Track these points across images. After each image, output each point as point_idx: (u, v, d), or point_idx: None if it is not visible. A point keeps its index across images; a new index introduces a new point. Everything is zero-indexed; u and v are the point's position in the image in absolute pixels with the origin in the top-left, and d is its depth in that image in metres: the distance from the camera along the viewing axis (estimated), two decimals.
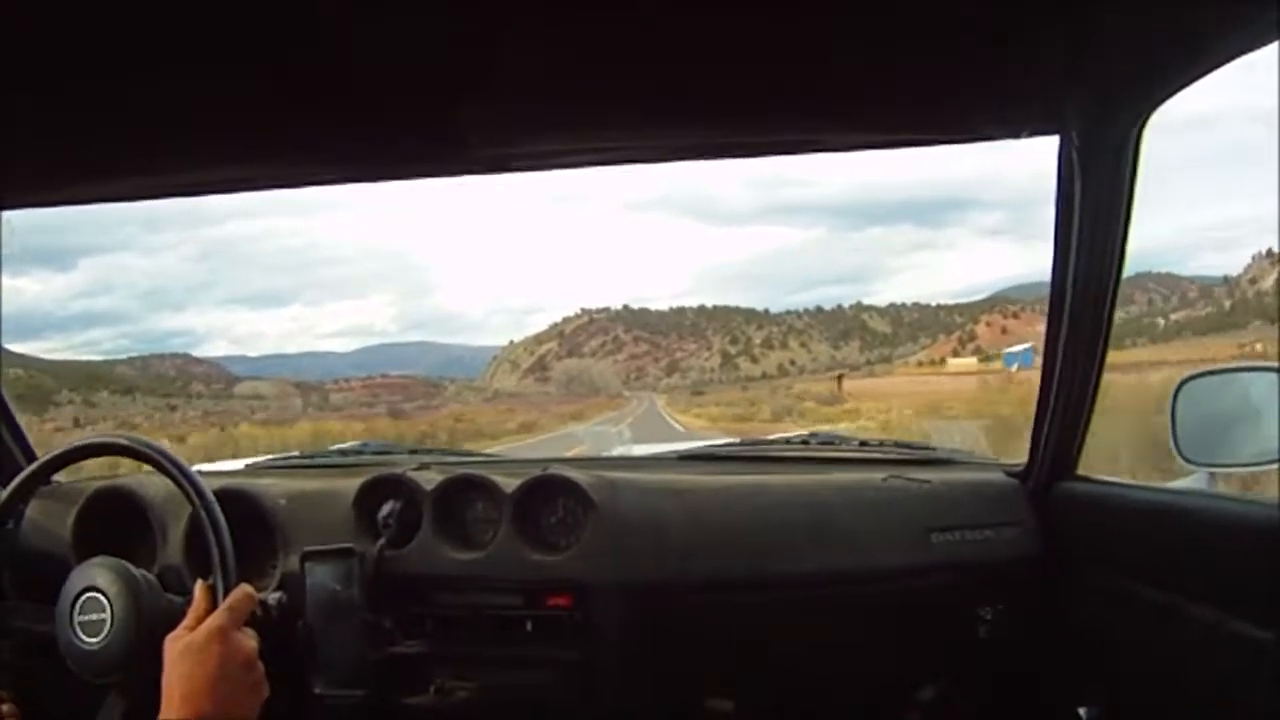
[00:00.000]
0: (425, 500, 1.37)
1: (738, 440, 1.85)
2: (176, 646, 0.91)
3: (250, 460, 1.80)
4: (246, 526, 1.22)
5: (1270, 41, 0.89)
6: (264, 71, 1.02)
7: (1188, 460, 1.23)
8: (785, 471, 1.55)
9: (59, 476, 1.32)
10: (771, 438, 1.92)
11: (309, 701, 1.22)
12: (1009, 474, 1.45)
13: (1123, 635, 1.19)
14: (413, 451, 1.76)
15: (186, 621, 0.94)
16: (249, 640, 0.95)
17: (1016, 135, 1.19)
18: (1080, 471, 1.35)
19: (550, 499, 1.38)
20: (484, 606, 1.34)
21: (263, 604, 1.05)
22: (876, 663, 1.41)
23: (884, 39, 1.01)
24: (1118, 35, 0.98)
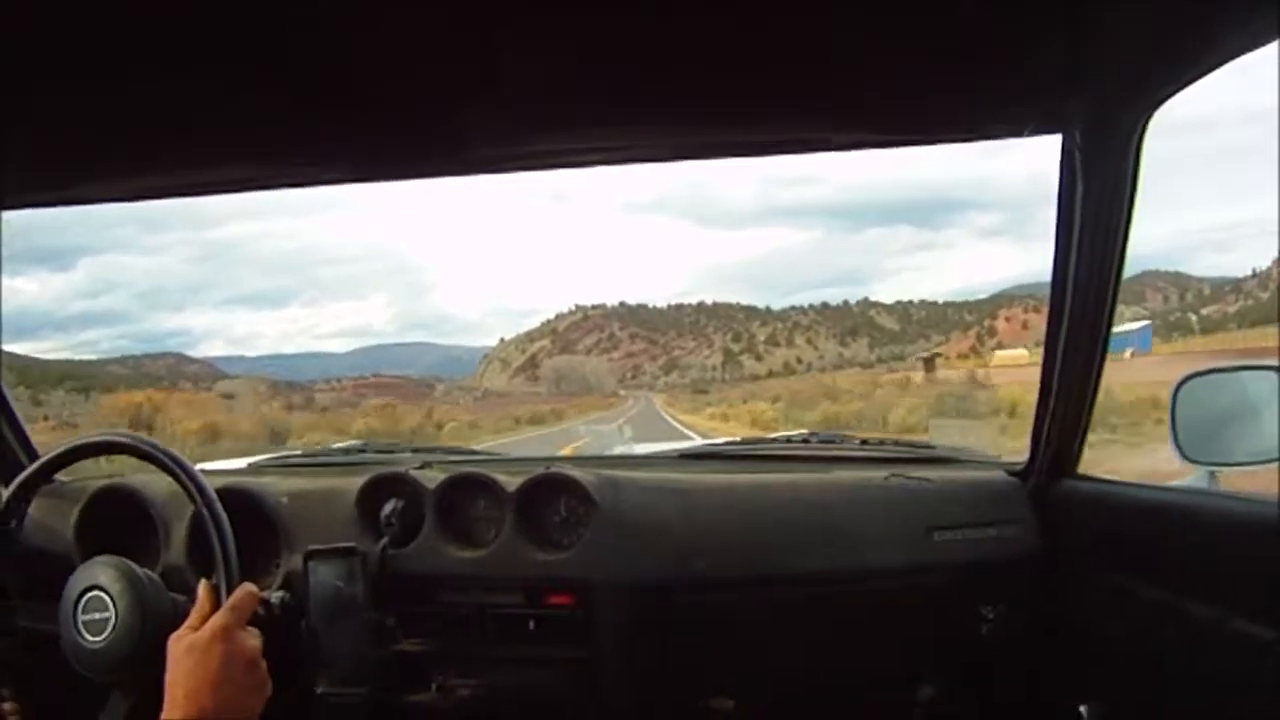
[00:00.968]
0: (427, 499, 1.38)
1: (739, 439, 1.84)
2: (180, 646, 0.91)
3: (253, 459, 1.80)
4: (249, 525, 1.22)
5: (1271, 40, 0.89)
6: (264, 71, 1.02)
7: (1188, 459, 1.23)
8: (787, 470, 1.55)
9: (61, 475, 1.32)
10: (772, 436, 1.92)
11: (312, 700, 1.22)
12: (1010, 473, 1.45)
13: (1124, 633, 1.19)
14: (415, 450, 1.76)
15: (190, 621, 0.95)
16: (252, 639, 0.95)
17: (1018, 134, 1.19)
18: (1081, 470, 1.35)
19: (552, 497, 1.38)
20: (486, 605, 1.34)
21: (265, 603, 1.05)
22: (878, 661, 1.41)
23: (885, 37, 1.01)
24: (1119, 34, 0.98)
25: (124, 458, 1.13)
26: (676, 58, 1.04)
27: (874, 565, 1.36)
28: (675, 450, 1.77)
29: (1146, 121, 1.08)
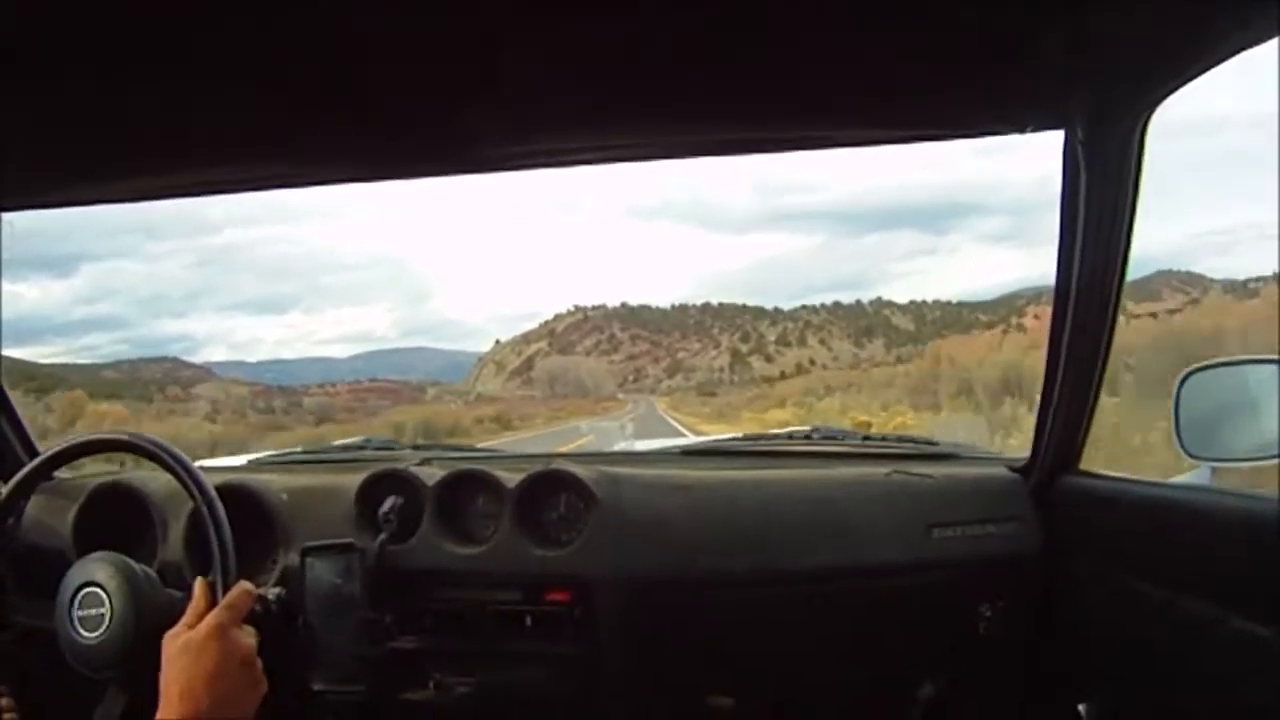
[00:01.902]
0: (427, 495, 1.38)
1: (740, 435, 1.84)
2: (175, 644, 0.91)
3: (252, 456, 1.80)
4: (247, 522, 1.22)
5: (1271, 37, 0.88)
6: (265, 71, 1.02)
7: (1190, 454, 1.22)
8: (788, 466, 1.55)
9: (60, 472, 1.32)
10: (774, 432, 1.92)
11: (309, 697, 1.22)
12: (1011, 469, 1.44)
13: (1124, 631, 1.19)
14: (415, 447, 1.76)
15: (186, 619, 0.94)
16: (247, 638, 0.95)
17: (1020, 131, 1.18)
18: (1083, 466, 1.35)
19: (552, 494, 1.38)
20: (485, 602, 1.34)
21: (262, 599, 1.05)
22: (878, 658, 1.41)
23: (887, 34, 1.00)
24: (1121, 30, 0.97)
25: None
26: (677, 56, 1.03)
27: (875, 562, 1.36)
28: (676, 446, 1.76)
29: (1149, 118, 1.08)
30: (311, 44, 0.97)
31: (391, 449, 1.76)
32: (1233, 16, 0.90)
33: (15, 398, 1.59)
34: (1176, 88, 1.03)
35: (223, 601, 0.96)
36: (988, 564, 1.36)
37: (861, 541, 1.36)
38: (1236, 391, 1.22)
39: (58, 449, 1.12)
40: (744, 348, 31.93)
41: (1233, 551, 0.98)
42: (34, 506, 1.39)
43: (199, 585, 0.98)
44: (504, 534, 1.35)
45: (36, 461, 1.13)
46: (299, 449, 1.92)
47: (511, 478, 1.37)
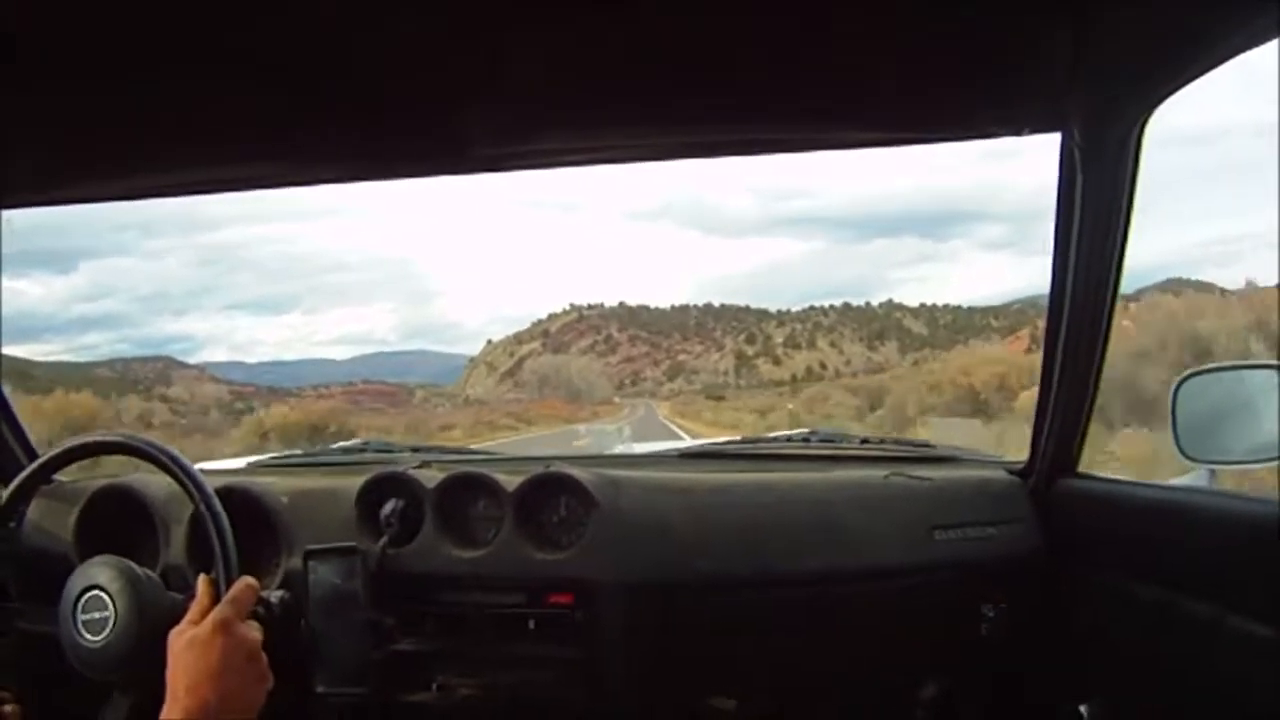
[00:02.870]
0: (427, 498, 1.38)
1: (739, 438, 1.84)
2: (180, 640, 0.92)
3: (252, 458, 1.80)
4: (249, 525, 1.22)
5: (1270, 39, 0.89)
6: (266, 70, 1.02)
7: (1188, 457, 1.23)
8: (787, 469, 1.55)
9: (60, 476, 1.32)
10: (773, 435, 1.93)
11: (312, 700, 1.22)
12: (1010, 471, 1.45)
13: (1124, 632, 1.19)
14: (415, 450, 1.76)
15: (190, 615, 0.95)
16: (252, 632, 0.95)
17: (1018, 133, 1.19)
18: (1081, 469, 1.35)
19: (552, 497, 1.38)
20: (486, 605, 1.34)
21: (265, 602, 1.05)
22: (879, 661, 1.41)
23: (885, 36, 1.01)
24: (1118, 32, 0.97)
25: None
26: (677, 57, 1.04)
27: (874, 565, 1.36)
28: (675, 449, 1.77)
29: (1146, 120, 1.08)
30: (312, 43, 0.97)
31: (390, 451, 1.76)
32: (1230, 19, 0.91)
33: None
34: (1174, 90, 1.03)
35: (226, 597, 0.96)
36: (988, 566, 1.36)
37: (862, 544, 1.36)
38: (1233, 395, 1.24)
39: (57, 451, 1.12)
40: (750, 350, 30.86)
41: (1231, 552, 0.99)
42: (35, 510, 1.39)
43: (202, 582, 0.98)
44: (505, 537, 1.35)
45: (36, 465, 1.13)
46: (298, 451, 1.92)
47: (511, 480, 1.37)
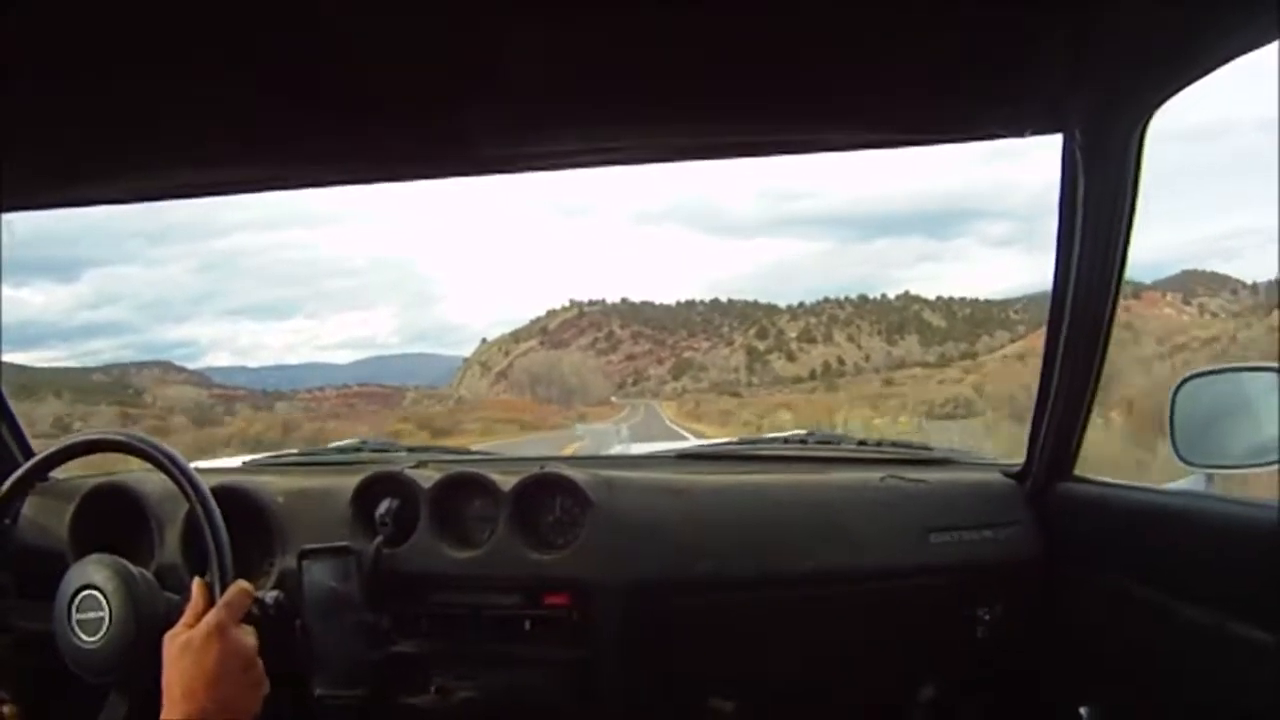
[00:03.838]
0: (423, 498, 1.37)
1: (735, 439, 1.84)
2: (175, 644, 0.91)
3: (248, 458, 1.80)
4: (244, 524, 1.22)
5: (1271, 40, 0.89)
6: (265, 72, 1.02)
7: (1186, 461, 1.23)
8: (783, 471, 1.55)
9: (56, 473, 1.31)
10: (770, 436, 1.93)
11: (308, 701, 1.21)
12: (1006, 474, 1.45)
13: (1121, 635, 1.19)
14: (411, 450, 1.76)
15: (185, 619, 0.94)
16: (247, 637, 0.95)
17: (1019, 134, 1.19)
18: (1077, 472, 1.35)
19: (548, 497, 1.38)
20: (482, 605, 1.34)
21: (260, 603, 1.05)
22: (876, 662, 1.41)
23: (886, 38, 1.00)
24: (1120, 33, 0.97)
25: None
26: (678, 58, 1.03)
27: (871, 566, 1.36)
28: (672, 450, 1.77)
29: (1148, 121, 1.08)
30: (312, 44, 0.96)
31: (386, 451, 1.76)
32: (1231, 20, 0.91)
33: None
34: (1175, 91, 1.03)
35: (221, 600, 0.95)
36: (985, 568, 1.36)
37: (859, 545, 1.36)
38: (1232, 399, 1.23)
39: (53, 449, 1.12)
40: (761, 345, 29.28)
41: (1229, 556, 0.99)
42: (30, 508, 1.39)
43: (197, 585, 0.98)
44: (500, 537, 1.35)
45: (32, 462, 1.12)
46: (294, 450, 1.92)
47: (507, 481, 1.37)
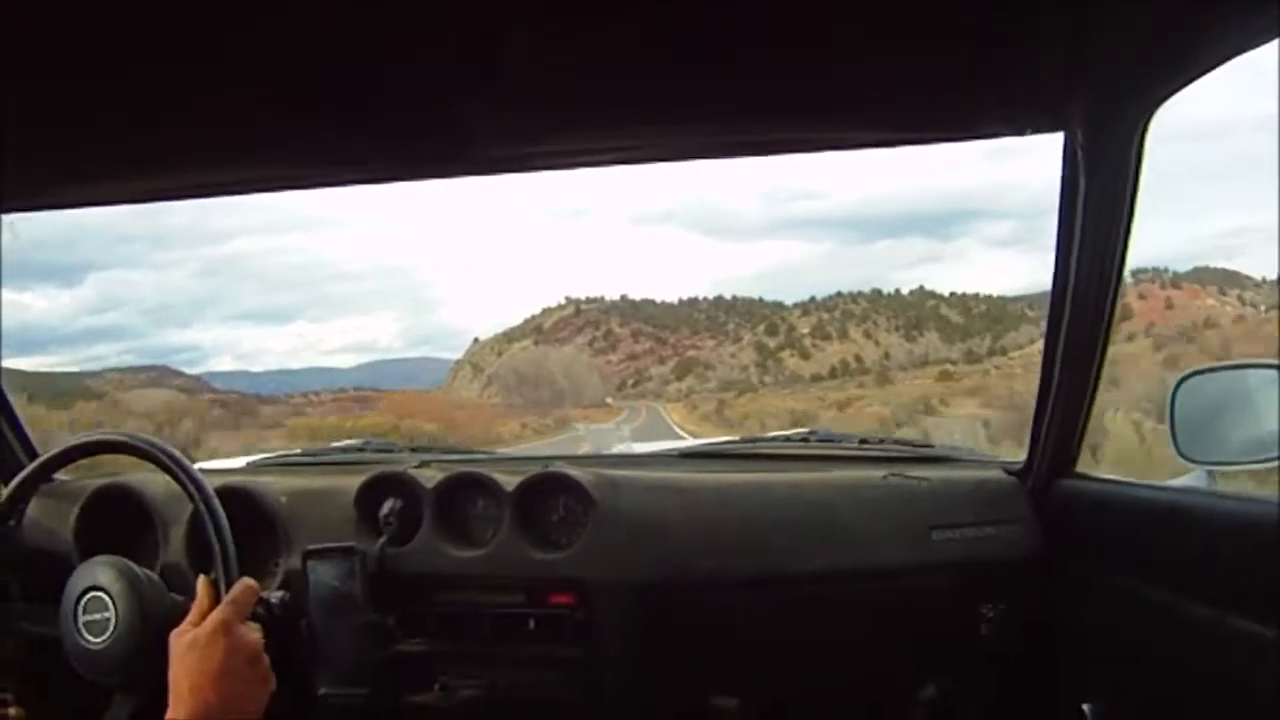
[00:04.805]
0: (426, 498, 1.38)
1: (738, 438, 1.85)
2: (182, 641, 0.92)
3: (251, 458, 1.80)
4: (248, 524, 1.22)
5: (1271, 38, 0.89)
6: (266, 72, 1.02)
7: (1187, 458, 1.23)
8: (786, 469, 1.55)
9: (60, 474, 1.32)
10: (771, 435, 1.93)
11: (313, 701, 1.22)
12: (1008, 472, 1.45)
13: (1124, 632, 1.19)
14: (414, 449, 1.76)
15: (190, 617, 0.95)
16: (253, 634, 0.95)
17: (1020, 133, 1.19)
18: (1079, 469, 1.35)
19: (551, 497, 1.38)
20: (486, 605, 1.34)
21: (265, 603, 1.05)
22: (879, 661, 1.41)
23: (886, 36, 1.01)
24: (1120, 33, 0.97)
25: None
26: (679, 58, 1.03)
27: (873, 565, 1.37)
28: (675, 449, 1.77)
29: (1148, 120, 1.08)
30: (312, 44, 0.97)
31: (389, 451, 1.76)
32: (1232, 18, 0.91)
33: None
34: (1176, 90, 1.03)
35: (226, 598, 0.96)
36: (988, 566, 1.37)
37: (862, 544, 1.37)
38: (1232, 395, 1.23)
39: (57, 450, 1.12)
40: (772, 342, 27.45)
41: (1231, 553, 0.99)
42: (35, 509, 1.39)
43: (202, 583, 0.98)
44: (504, 537, 1.35)
45: (36, 463, 1.13)
46: (297, 450, 1.92)
47: (510, 480, 1.37)
